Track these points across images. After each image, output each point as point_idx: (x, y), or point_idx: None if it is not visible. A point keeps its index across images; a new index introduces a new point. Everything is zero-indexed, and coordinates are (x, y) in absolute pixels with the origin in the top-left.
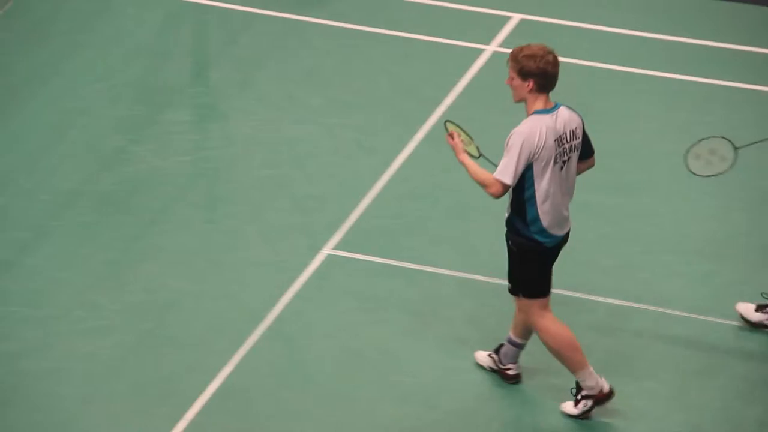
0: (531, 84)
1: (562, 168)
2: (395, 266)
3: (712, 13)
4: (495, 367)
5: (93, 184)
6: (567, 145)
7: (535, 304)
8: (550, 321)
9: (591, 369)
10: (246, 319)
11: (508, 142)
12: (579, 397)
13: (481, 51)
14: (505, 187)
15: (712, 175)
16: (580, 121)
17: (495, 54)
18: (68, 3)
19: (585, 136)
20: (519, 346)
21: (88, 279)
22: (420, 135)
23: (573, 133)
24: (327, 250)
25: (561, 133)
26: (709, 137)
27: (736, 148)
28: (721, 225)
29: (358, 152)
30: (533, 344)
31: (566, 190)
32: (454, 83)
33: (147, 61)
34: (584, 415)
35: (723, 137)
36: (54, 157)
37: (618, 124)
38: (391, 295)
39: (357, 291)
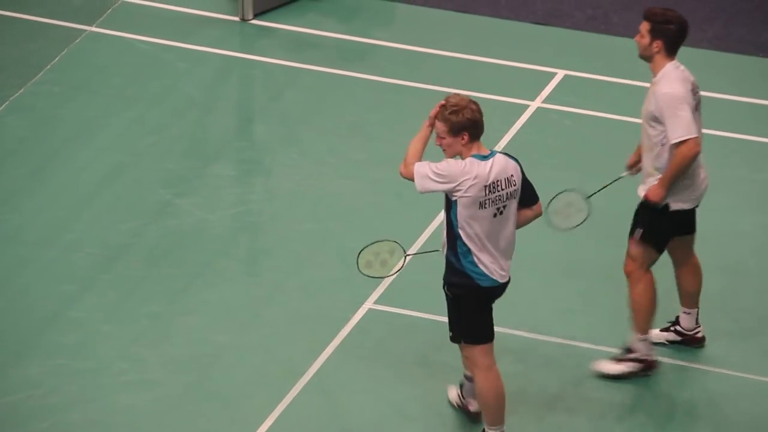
0: (466, 137)
1: (496, 215)
2: (436, 321)
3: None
4: (459, 403)
5: (139, 237)
6: (502, 192)
7: (477, 349)
8: (492, 374)
9: (504, 428)
10: (287, 373)
11: (440, 165)
12: None
13: (525, 107)
14: (410, 179)
15: (574, 227)
16: (516, 167)
17: (539, 110)
18: (120, 57)
19: (525, 183)
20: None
21: (131, 332)
22: None
23: (508, 180)
24: (368, 304)
25: (495, 180)
26: (562, 192)
27: (587, 198)
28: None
29: (401, 207)
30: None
31: (504, 238)
32: (498, 138)
33: (194, 115)
34: None
35: (574, 190)
36: (101, 210)
37: None
38: (432, 349)
39: (398, 345)
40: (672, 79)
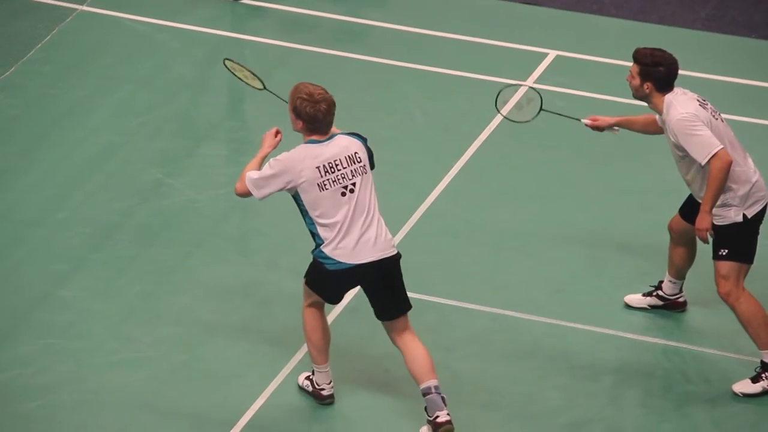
0: (301, 125)
1: (344, 194)
2: (427, 301)
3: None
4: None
5: (130, 216)
6: (345, 170)
7: (312, 295)
8: (310, 312)
9: (328, 367)
10: (279, 352)
11: (270, 162)
12: None
13: (517, 87)
14: (247, 194)
15: (516, 121)
16: (360, 145)
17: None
18: (111, 37)
19: (370, 156)
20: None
21: (122, 311)
22: (454, 170)
23: (351, 158)
24: None
25: (332, 160)
26: (530, 89)
27: (541, 108)
28: None
29: (393, 187)
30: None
31: (362, 215)
32: (489, 119)
33: (186, 95)
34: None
35: (538, 92)
36: (92, 189)
37: (650, 159)
38: (422, 330)
39: None
40: (676, 105)
